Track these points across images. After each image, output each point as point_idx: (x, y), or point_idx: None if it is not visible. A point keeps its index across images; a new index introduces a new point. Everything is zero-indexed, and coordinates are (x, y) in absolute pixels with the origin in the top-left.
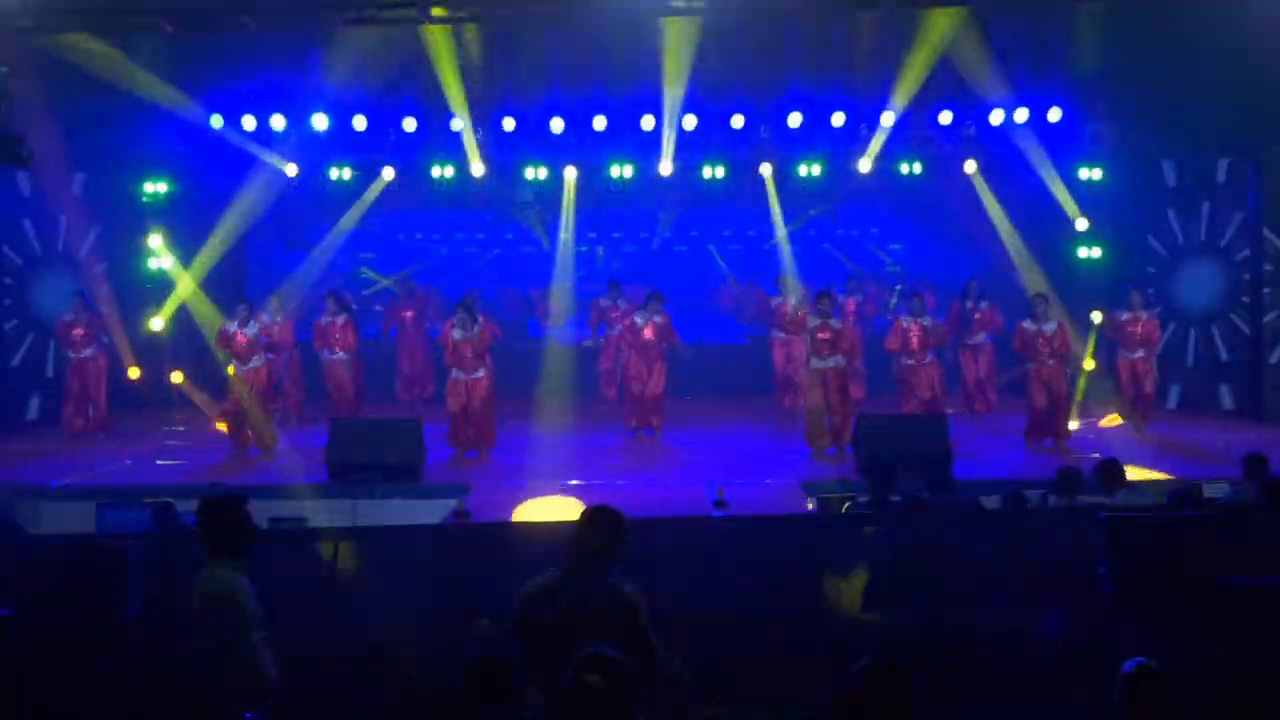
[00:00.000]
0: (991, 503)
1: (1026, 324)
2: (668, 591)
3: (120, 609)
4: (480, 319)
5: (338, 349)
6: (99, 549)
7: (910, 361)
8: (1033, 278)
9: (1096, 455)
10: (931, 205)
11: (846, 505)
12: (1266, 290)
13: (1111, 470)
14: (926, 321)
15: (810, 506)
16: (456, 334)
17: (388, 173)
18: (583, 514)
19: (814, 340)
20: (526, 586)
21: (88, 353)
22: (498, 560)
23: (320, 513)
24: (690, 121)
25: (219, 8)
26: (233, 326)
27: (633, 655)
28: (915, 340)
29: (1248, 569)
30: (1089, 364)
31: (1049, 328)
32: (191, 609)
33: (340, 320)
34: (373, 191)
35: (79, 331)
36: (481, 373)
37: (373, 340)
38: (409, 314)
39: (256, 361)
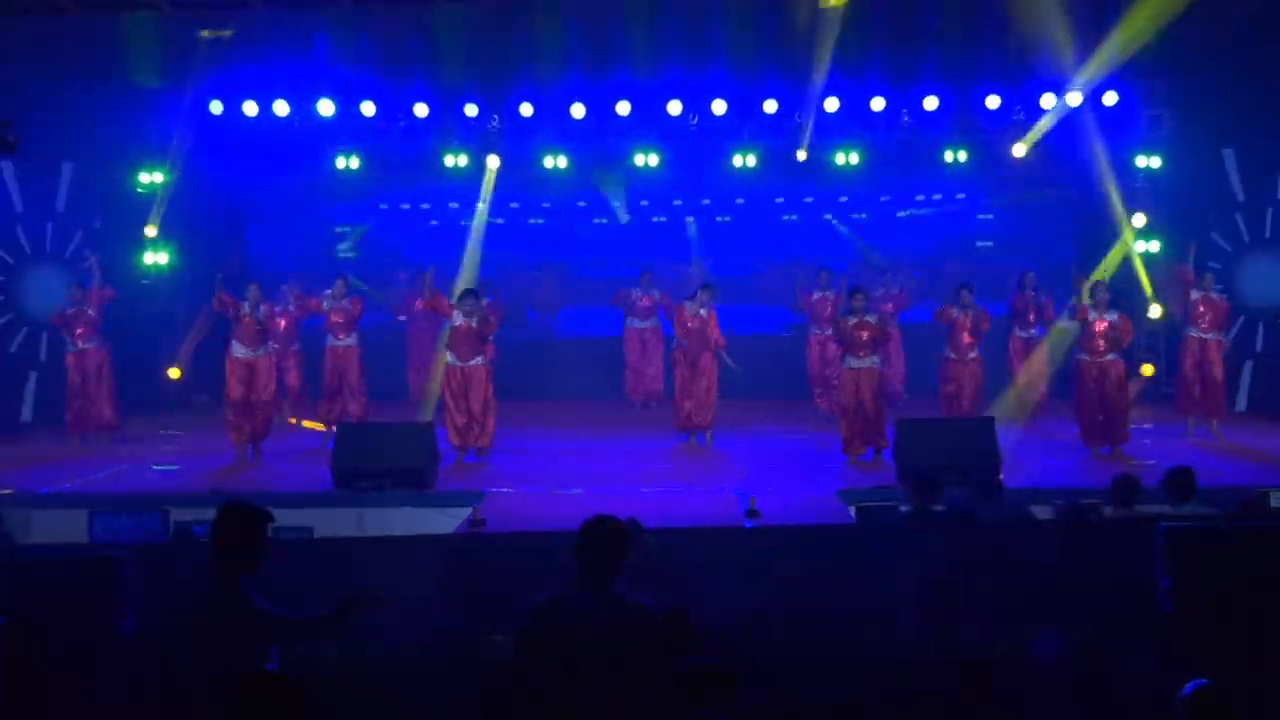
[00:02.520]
0: (1043, 512)
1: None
2: (696, 608)
3: (113, 623)
4: (484, 304)
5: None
6: (91, 560)
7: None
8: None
9: (1153, 462)
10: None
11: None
12: None
13: (1182, 480)
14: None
15: (850, 516)
16: (457, 319)
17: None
18: (583, 525)
19: (851, 339)
20: (532, 603)
21: (89, 345)
22: (513, 571)
23: (325, 521)
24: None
25: None
26: (244, 308)
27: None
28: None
29: None
30: (1147, 370)
31: (1110, 317)
32: (203, 622)
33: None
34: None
35: (81, 329)
36: (478, 360)
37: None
38: (420, 304)
39: (262, 350)
